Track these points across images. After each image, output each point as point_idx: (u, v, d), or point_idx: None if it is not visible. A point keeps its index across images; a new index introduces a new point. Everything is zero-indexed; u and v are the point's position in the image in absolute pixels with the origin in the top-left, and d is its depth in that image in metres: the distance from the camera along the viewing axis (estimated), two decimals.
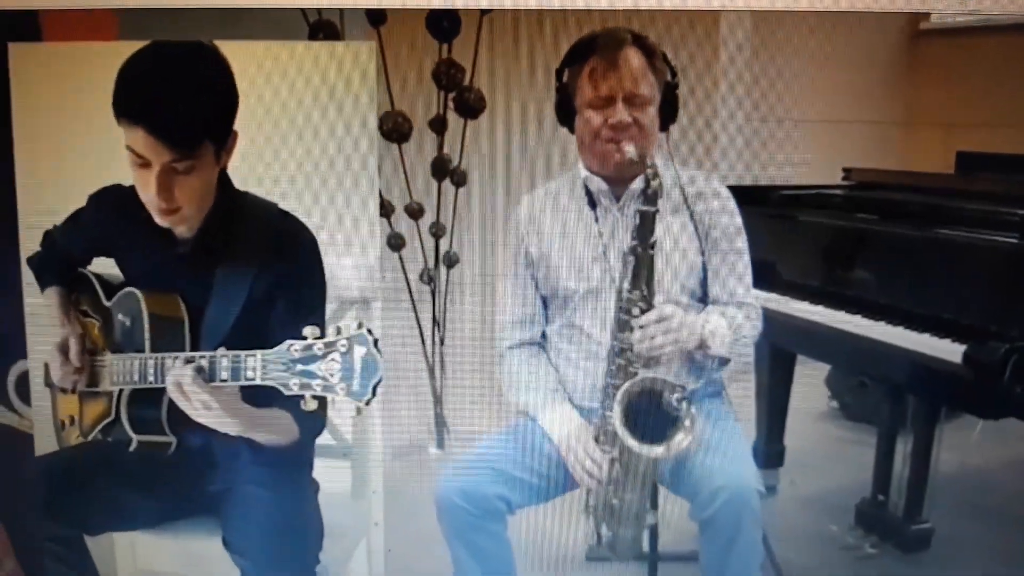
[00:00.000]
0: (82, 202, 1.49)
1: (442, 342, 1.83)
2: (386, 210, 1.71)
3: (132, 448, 1.46)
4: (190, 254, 1.44)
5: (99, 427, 1.49)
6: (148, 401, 1.45)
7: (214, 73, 1.37)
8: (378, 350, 1.29)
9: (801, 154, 1.79)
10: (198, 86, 1.36)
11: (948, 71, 2.03)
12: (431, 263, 1.81)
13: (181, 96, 1.34)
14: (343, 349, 1.29)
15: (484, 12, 1.57)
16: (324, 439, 1.56)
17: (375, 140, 1.58)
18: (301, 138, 1.57)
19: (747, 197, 1.59)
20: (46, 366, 1.54)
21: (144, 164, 1.35)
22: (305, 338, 1.30)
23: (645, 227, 1.43)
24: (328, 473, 1.56)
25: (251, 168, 1.47)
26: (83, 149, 1.51)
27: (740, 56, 1.77)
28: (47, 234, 1.53)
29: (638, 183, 1.48)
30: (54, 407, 1.57)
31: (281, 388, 1.31)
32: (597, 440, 1.50)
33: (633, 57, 1.46)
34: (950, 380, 1.64)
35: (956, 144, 1.96)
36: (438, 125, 1.73)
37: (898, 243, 1.80)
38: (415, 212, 1.77)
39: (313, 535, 1.49)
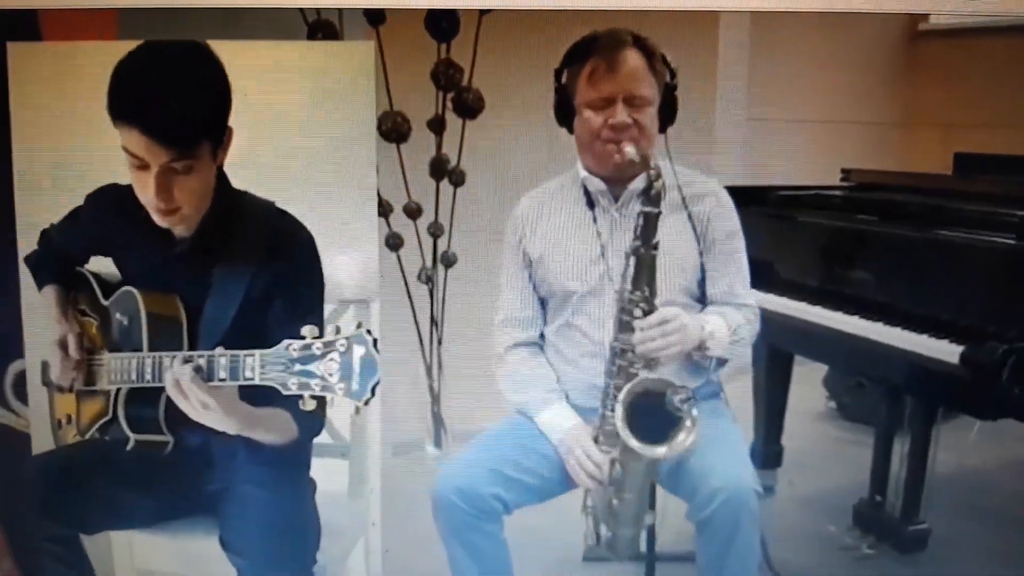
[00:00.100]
0: (80, 202, 1.49)
1: (440, 342, 1.83)
2: (384, 210, 1.71)
3: (129, 447, 1.46)
4: (188, 253, 1.44)
5: (96, 426, 1.48)
6: (146, 400, 1.45)
7: (206, 70, 1.37)
8: (377, 350, 1.29)
9: (800, 154, 1.80)
10: (192, 85, 1.36)
11: (947, 72, 2.03)
12: (429, 263, 1.81)
13: (176, 96, 1.34)
14: (342, 349, 1.29)
15: (483, 12, 1.57)
16: (322, 438, 1.55)
17: (373, 140, 1.58)
18: (299, 138, 1.57)
19: (745, 197, 1.59)
20: (43, 365, 1.54)
21: (142, 166, 1.34)
22: (303, 338, 1.30)
23: (648, 228, 1.42)
24: (326, 472, 1.56)
25: (249, 167, 1.47)
26: (81, 149, 1.51)
27: (739, 56, 1.77)
28: (44, 232, 1.53)
29: (637, 183, 1.48)
30: (51, 406, 1.57)
31: (280, 388, 1.31)
32: (596, 440, 1.50)
33: (633, 58, 1.46)
34: (948, 381, 1.65)
35: (955, 145, 1.96)
36: (436, 125, 1.73)
37: (896, 244, 1.80)
38: (413, 212, 1.77)
39: (311, 535, 1.49)
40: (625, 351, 1.45)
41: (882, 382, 1.93)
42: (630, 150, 1.43)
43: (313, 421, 1.44)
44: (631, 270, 1.44)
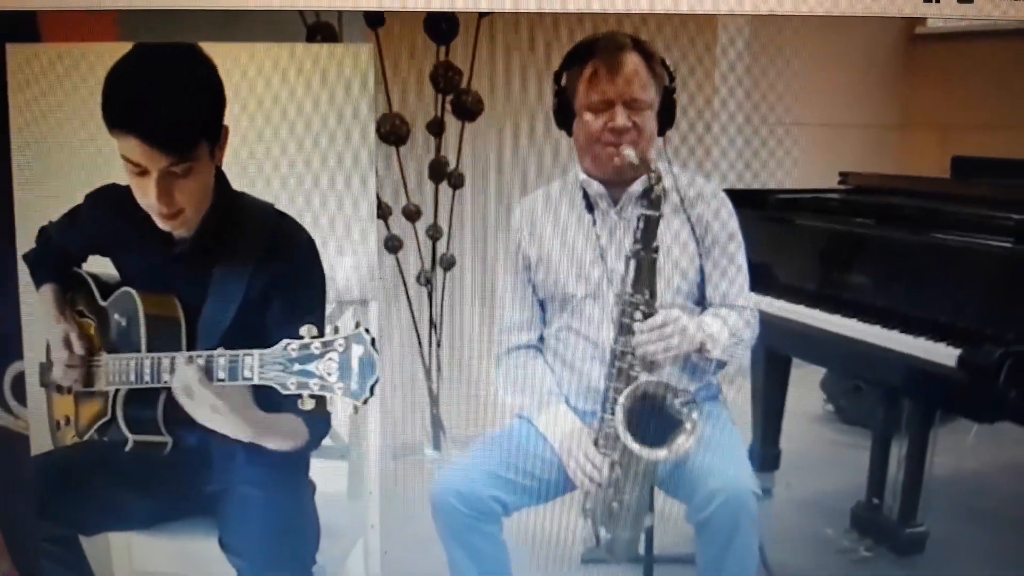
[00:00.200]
0: (79, 202, 1.49)
1: (439, 344, 1.84)
2: (383, 212, 1.71)
3: (128, 448, 1.46)
4: (187, 254, 1.44)
5: (95, 427, 1.48)
6: (144, 401, 1.44)
7: (199, 71, 1.37)
8: (376, 349, 1.29)
9: (798, 157, 1.80)
10: (185, 87, 1.36)
11: (944, 75, 2.04)
12: (428, 265, 1.81)
13: (170, 100, 1.34)
14: (341, 348, 1.29)
15: (482, 15, 1.57)
16: None
17: (372, 142, 1.58)
18: (298, 140, 1.57)
19: (744, 200, 1.59)
20: (42, 366, 1.54)
21: (142, 172, 1.34)
22: (302, 337, 1.30)
23: (648, 231, 1.43)
24: (325, 474, 1.56)
25: (249, 169, 1.47)
26: (80, 150, 1.51)
27: (737, 59, 1.78)
28: (43, 230, 1.53)
29: (636, 186, 1.49)
30: (49, 407, 1.56)
31: (279, 388, 1.31)
32: (596, 443, 1.50)
33: (633, 61, 1.46)
34: (945, 384, 1.65)
35: (952, 148, 1.97)
36: (436, 127, 1.73)
37: (894, 247, 1.81)
38: (412, 214, 1.77)
39: (310, 536, 1.49)
40: (625, 353, 1.45)
41: (880, 385, 1.93)
42: (629, 153, 1.44)
43: (323, 424, 1.44)
44: (631, 273, 1.45)
